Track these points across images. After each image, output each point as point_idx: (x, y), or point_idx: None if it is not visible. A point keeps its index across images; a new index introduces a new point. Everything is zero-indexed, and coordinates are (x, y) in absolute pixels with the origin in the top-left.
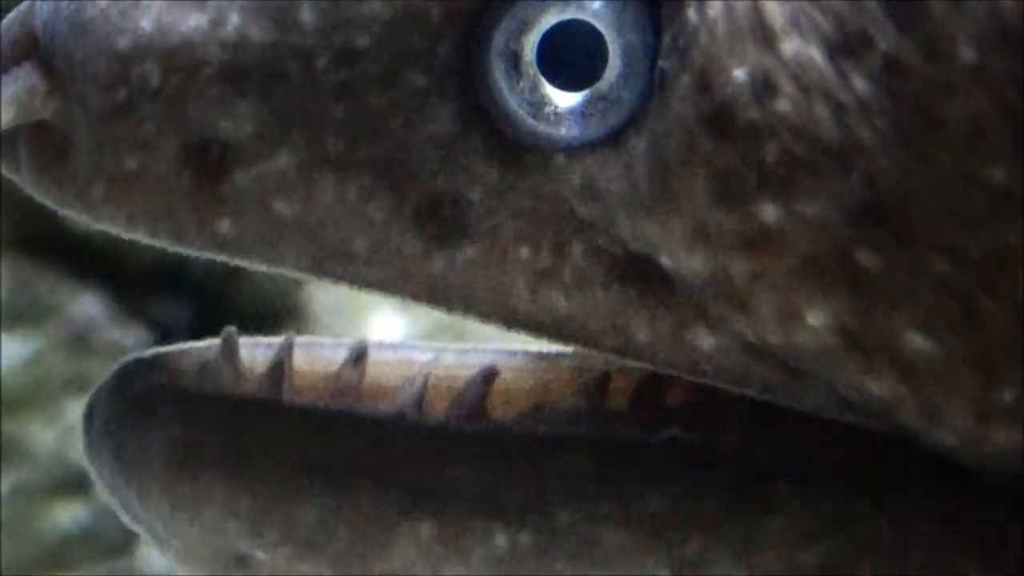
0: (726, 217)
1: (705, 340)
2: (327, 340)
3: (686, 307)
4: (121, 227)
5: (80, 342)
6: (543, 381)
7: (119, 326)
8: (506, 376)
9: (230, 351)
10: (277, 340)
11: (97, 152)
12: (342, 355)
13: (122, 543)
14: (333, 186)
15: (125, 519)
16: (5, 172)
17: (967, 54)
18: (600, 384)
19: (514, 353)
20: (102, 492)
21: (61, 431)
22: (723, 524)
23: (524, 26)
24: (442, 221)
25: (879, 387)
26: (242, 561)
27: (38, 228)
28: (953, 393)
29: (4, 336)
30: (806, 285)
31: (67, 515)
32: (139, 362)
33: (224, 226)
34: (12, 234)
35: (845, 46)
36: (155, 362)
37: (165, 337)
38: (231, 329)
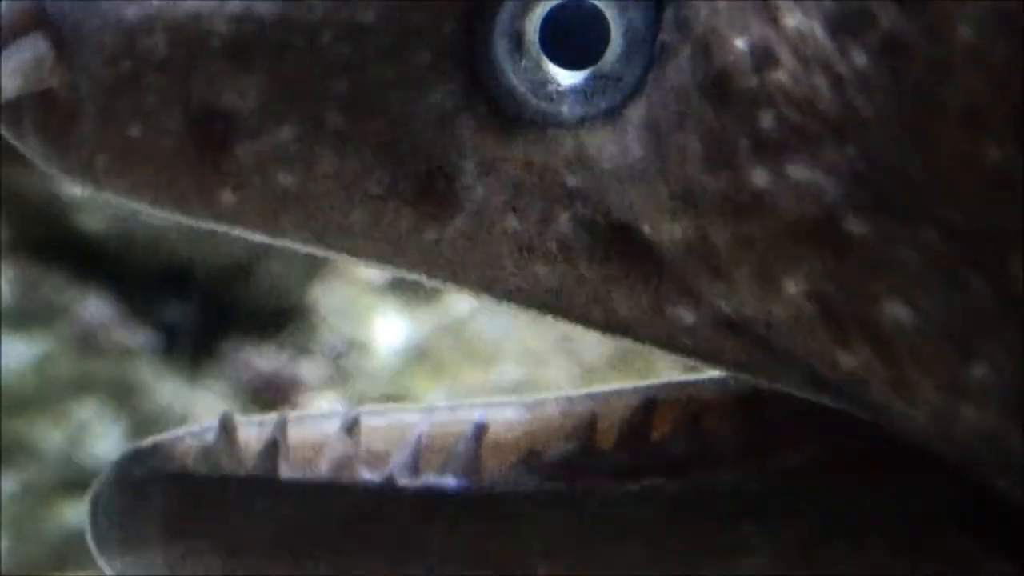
0: (715, 181)
1: (685, 314)
2: (319, 413)
3: (667, 281)
4: (124, 196)
5: (87, 343)
6: (532, 430)
7: (126, 328)
8: (495, 431)
9: (228, 433)
10: (271, 418)
11: (102, 122)
12: (335, 426)
13: None
14: (334, 160)
15: None
16: (10, 139)
17: (966, 34)
18: (589, 426)
19: (503, 405)
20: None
21: (68, 431)
22: (699, 568)
23: (528, 5)
24: (436, 194)
25: (852, 360)
26: None
27: (46, 231)
28: (926, 366)
29: (12, 337)
30: (787, 250)
31: (74, 514)
32: (138, 452)
33: (226, 197)
34: (20, 237)
35: (846, 22)
36: (154, 450)
37: (171, 339)
38: (228, 413)
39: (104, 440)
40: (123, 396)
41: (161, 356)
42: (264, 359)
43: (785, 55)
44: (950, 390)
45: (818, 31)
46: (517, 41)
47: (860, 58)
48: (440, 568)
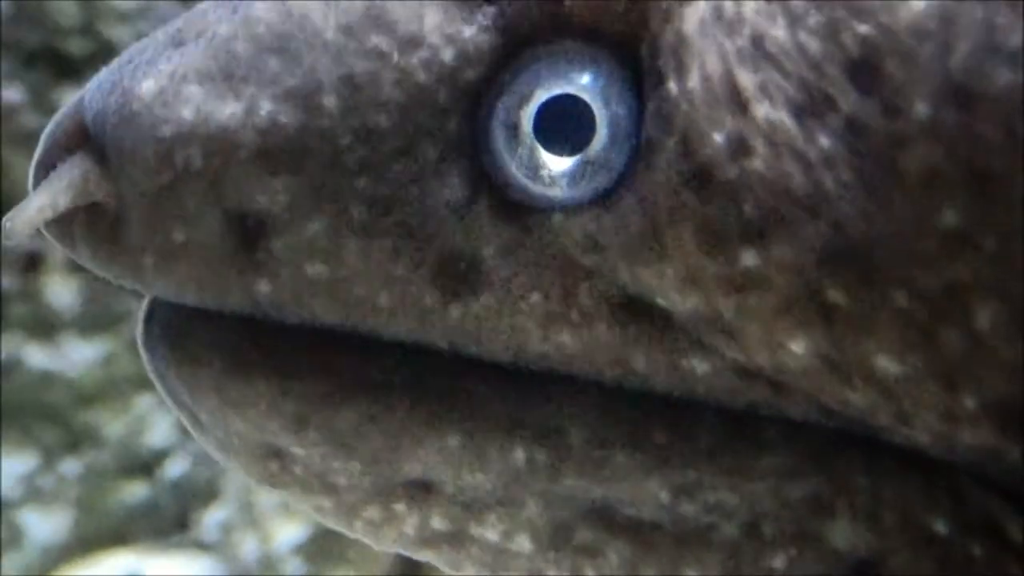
0: (712, 263)
1: (699, 366)
2: None
3: (681, 339)
4: (171, 293)
5: None
6: None
7: None
8: None
9: None
10: None
11: (147, 228)
12: None
13: (180, 518)
14: (359, 249)
15: (168, 402)
16: (62, 248)
17: (921, 110)
18: None
19: None
20: (151, 374)
21: (129, 421)
22: (719, 457)
23: (522, 101)
24: (458, 276)
25: (857, 398)
26: (278, 454)
27: None
28: (921, 403)
29: (79, 340)
30: (787, 319)
31: (133, 494)
32: None
33: (263, 287)
34: None
35: (810, 109)
36: None
37: None
38: None
39: (159, 429)
40: None
41: None
42: None
43: (759, 144)
44: (947, 419)
45: (786, 119)
46: (514, 132)
47: (825, 140)
48: (472, 420)
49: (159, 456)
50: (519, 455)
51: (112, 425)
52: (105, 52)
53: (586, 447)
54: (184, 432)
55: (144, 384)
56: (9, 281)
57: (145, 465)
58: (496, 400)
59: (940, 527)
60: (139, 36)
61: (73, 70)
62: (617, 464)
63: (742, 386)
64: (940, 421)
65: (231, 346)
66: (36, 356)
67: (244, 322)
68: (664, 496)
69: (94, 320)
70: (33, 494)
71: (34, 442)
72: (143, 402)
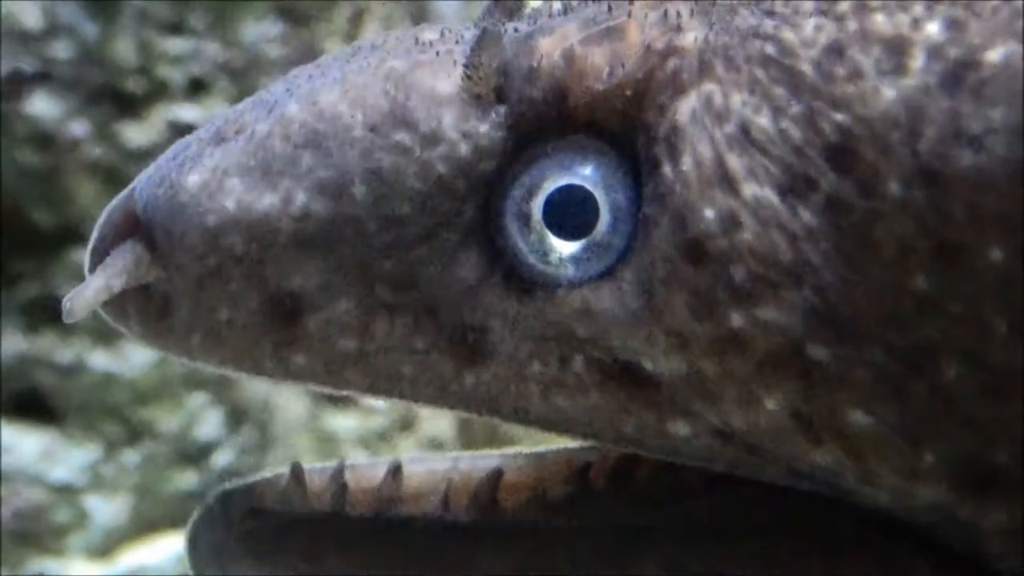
0: (701, 326)
1: (682, 429)
2: (372, 460)
3: (666, 403)
4: (214, 366)
5: None
6: (540, 475)
7: None
8: (509, 475)
9: (298, 479)
10: (332, 465)
11: (194, 308)
12: (383, 471)
13: None
14: (385, 325)
15: None
16: (117, 326)
17: (893, 189)
18: (583, 470)
19: (516, 455)
20: None
21: (181, 416)
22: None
23: (531, 191)
24: (471, 347)
25: (826, 458)
26: None
27: None
28: (886, 458)
29: (138, 346)
30: (765, 377)
31: (185, 481)
32: (227, 493)
33: (299, 360)
34: None
35: (793, 187)
36: (239, 492)
37: None
38: (297, 463)
39: (209, 424)
40: (224, 390)
41: None
42: None
43: (747, 219)
44: (907, 475)
45: (772, 197)
46: (525, 220)
47: (807, 216)
48: None
49: (208, 448)
50: None
51: (166, 420)
52: (159, 90)
53: None
54: (230, 427)
55: (196, 383)
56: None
57: (196, 456)
58: (483, 562)
59: None
60: (189, 77)
61: (131, 106)
62: None
63: (720, 447)
64: (901, 478)
65: (264, 545)
66: (99, 359)
67: (274, 521)
68: None
69: None
70: (97, 482)
71: (97, 435)
72: (194, 400)
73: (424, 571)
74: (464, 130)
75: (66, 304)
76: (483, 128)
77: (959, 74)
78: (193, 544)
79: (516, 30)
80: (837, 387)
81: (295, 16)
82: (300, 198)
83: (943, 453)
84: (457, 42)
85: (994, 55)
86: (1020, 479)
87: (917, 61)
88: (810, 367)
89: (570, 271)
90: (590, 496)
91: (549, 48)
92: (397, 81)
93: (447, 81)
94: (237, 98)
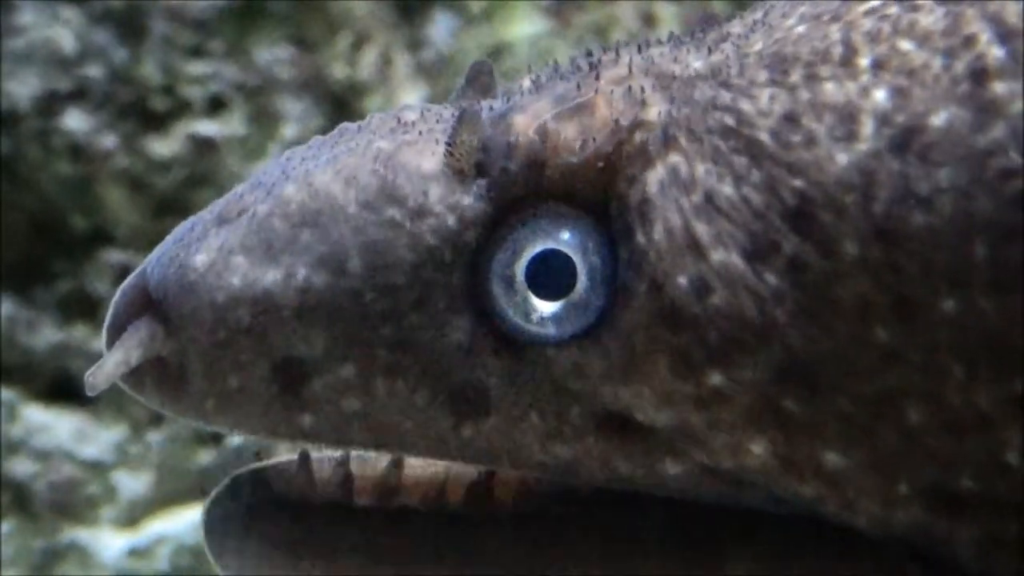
0: (683, 384)
1: (672, 468)
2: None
3: (656, 446)
4: (227, 429)
5: None
6: None
7: None
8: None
9: (306, 468)
10: (337, 454)
11: (207, 377)
12: (385, 460)
13: None
14: (385, 386)
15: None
16: (136, 395)
17: (851, 249)
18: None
19: None
20: (215, 567)
21: None
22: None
23: (514, 257)
24: (468, 402)
25: (807, 490)
26: None
27: None
28: (863, 491)
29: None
30: (748, 427)
31: (206, 457)
32: (238, 477)
33: (306, 421)
34: None
35: (757, 251)
36: (252, 476)
37: None
38: (305, 450)
39: None
40: None
41: None
42: None
43: (717, 284)
44: (883, 505)
45: (738, 262)
46: (509, 283)
47: (771, 278)
48: (464, 566)
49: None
50: None
51: None
52: (181, 107)
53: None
54: None
55: None
56: (104, 291)
57: (214, 435)
58: (481, 547)
59: None
60: (209, 96)
61: (156, 121)
62: None
63: (709, 483)
64: (878, 506)
65: (273, 528)
66: None
67: (281, 506)
68: None
69: None
70: (124, 459)
71: (126, 417)
72: None
73: (420, 560)
74: (449, 203)
75: (88, 379)
76: (467, 201)
77: (906, 139)
78: (208, 529)
79: (492, 108)
80: (812, 434)
81: (303, 42)
82: (301, 272)
83: (915, 483)
84: (437, 121)
85: (937, 120)
86: (986, 499)
87: (867, 128)
88: (785, 418)
89: (552, 330)
90: (582, 488)
91: (524, 125)
92: (385, 161)
93: (431, 159)
94: (252, 115)
